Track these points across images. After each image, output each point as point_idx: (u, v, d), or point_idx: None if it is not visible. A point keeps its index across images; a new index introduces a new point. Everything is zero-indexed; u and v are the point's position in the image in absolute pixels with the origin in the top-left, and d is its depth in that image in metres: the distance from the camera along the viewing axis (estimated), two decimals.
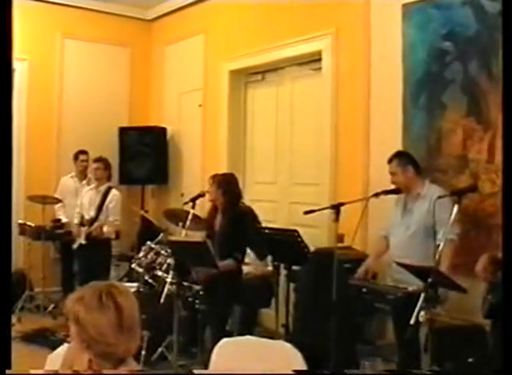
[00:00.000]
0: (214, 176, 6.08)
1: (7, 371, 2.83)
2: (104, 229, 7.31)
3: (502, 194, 3.68)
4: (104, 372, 2.14)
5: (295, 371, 2.98)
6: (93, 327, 2.11)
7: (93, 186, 7.61)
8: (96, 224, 7.27)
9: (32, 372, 2.62)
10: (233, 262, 5.67)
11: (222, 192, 5.85)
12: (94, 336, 2.11)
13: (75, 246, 7.36)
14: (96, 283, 2.24)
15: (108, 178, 7.61)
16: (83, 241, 7.19)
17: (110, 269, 7.50)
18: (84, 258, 7.20)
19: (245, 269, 6.04)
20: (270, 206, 7.19)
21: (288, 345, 3.18)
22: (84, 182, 7.90)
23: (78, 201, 7.64)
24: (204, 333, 5.77)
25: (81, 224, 7.33)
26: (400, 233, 4.95)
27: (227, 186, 5.89)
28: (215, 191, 5.89)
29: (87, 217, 7.34)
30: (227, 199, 5.84)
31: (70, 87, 8.79)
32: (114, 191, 7.52)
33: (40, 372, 2.47)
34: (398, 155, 5.09)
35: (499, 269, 3.82)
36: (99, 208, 7.35)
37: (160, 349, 5.74)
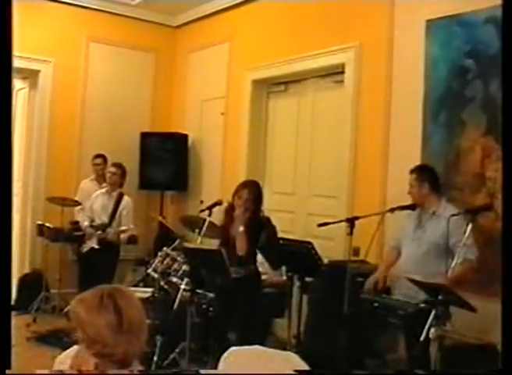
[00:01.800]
0: (247, 183, 5.90)
1: (7, 371, 2.87)
2: (121, 236, 7.37)
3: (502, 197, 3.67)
4: (108, 372, 2.19)
5: (296, 371, 2.99)
6: (91, 327, 2.16)
7: (104, 190, 7.65)
8: (112, 230, 7.32)
9: (37, 372, 2.66)
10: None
11: (253, 200, 5.78)
12: (92, 335, 2.16)
13: (85, 249, 7.42)
14: (101, 286, 2.29)
15: (121, 184, 7.66)
16: (96, 246, 7.24)
17: (115, 272, 7.50)
18: (94, 261, 7.23)
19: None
20: (288, 217, 7.21)
21: (295, 356, 3.19)
22: (104, 185, 7.92)
23: (88, 205, 7.67)
24: (218, 340, 5.77)
25: (91, 227, 7.37)
26: (412, 249, 4.94)
27: (259, 194, 5.83)
28: (250, 198, 5.71)
29: (98, 221, 7.38)
30: (255, 207, 5.78)
31: (94, 90, 8.85)
32: (126, 198, 7.56)
33: (45, 372, 2.50)
34: (419, 169, 5.08)
35: None
36: (112, 215, 7.40)
37: (172, 355, 5.76)
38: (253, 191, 5.76)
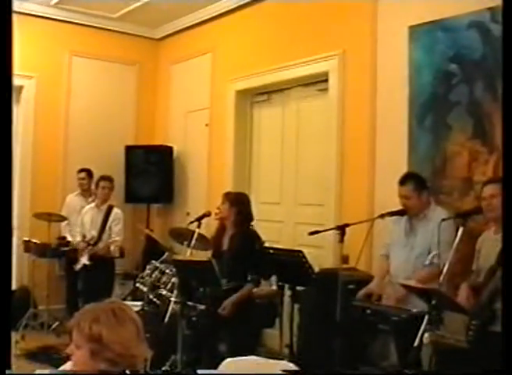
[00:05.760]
0: (227, 194, 6.02)
1: (7, 371, 2.83)
2: (111, 248, 7.31)
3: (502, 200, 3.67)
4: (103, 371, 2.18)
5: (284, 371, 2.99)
6: (119, 344, 2.17)
7: (94, 204, 7.61)
8: (102, 244, 7.24)
9: (36, 371, 2.63)
10: (253, 286, 5.62)
11: (234, 211, 5.78)
12: (121, 351, 2.16)
13: (78, 267, 7.25)
14: (96, 304, 2.29)
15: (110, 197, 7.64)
16: (87, 262, 7.10)
17: (113, 288, 7.46)
18: (89, 278, 7.07)
19: None
20: (275, 226, 7.18)
21: (291, 365, 3.18)
22: (90, 199, 7.89)
23: (79, 220, 7.62)
24: (209, 352, 5.73)
25: (83, 242, 7.26)
26: (404, 254, 4.92)
27: (241, 205, 5.83)
28: (227, 209, 5.81)
29: (88, 236, 7.30)
30: (239, 219, 5.78)
31: (77, 105, 8.81)
32: (116, 210, 7.49)
33: (45, 371, 2.48)
34: (412, 178, 5.00)
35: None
36: (102, 228, 7.31)
37: (163, 368, 5.70)
38: (232, 202, 5.80)
